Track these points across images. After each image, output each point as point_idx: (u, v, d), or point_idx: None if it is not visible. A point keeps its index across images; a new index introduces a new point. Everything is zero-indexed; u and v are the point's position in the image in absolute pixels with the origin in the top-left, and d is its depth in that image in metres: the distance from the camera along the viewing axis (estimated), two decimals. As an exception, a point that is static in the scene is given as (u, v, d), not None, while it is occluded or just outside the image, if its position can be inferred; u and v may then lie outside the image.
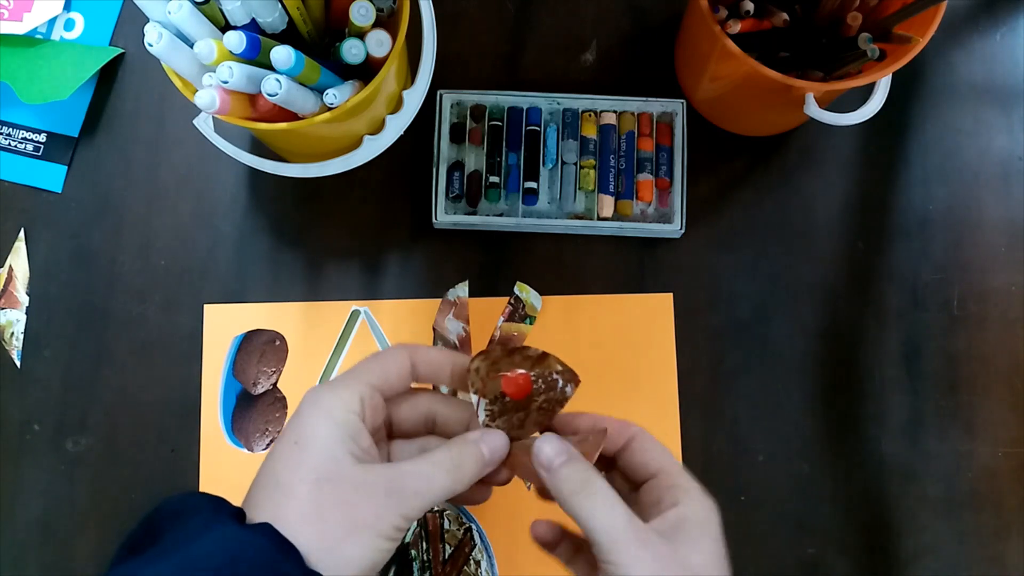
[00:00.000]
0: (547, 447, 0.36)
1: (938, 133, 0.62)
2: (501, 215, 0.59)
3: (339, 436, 0.34)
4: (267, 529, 0.31)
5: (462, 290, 0.59)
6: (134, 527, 0.34)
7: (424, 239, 0.60)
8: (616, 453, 0.38)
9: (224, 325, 0.58)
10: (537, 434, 0.39)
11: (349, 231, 0.60)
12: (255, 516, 0.33)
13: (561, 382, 0.39)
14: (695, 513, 0.35)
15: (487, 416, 0.39)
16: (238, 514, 0.33)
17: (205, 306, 0.59)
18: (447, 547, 0.55)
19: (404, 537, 0.53)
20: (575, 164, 0.59)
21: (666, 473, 0.37)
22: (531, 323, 0.58)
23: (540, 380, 0.39)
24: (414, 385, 0.40)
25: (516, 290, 0.59)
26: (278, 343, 0.58)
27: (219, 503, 0.34)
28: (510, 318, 0.58)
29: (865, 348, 0.59)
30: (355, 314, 0.59)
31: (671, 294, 0.59)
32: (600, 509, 0.34)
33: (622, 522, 0.33)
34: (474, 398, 0.39)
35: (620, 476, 0.39)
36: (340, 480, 0.33)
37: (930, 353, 0.59)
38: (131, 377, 0.58)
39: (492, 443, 0.37)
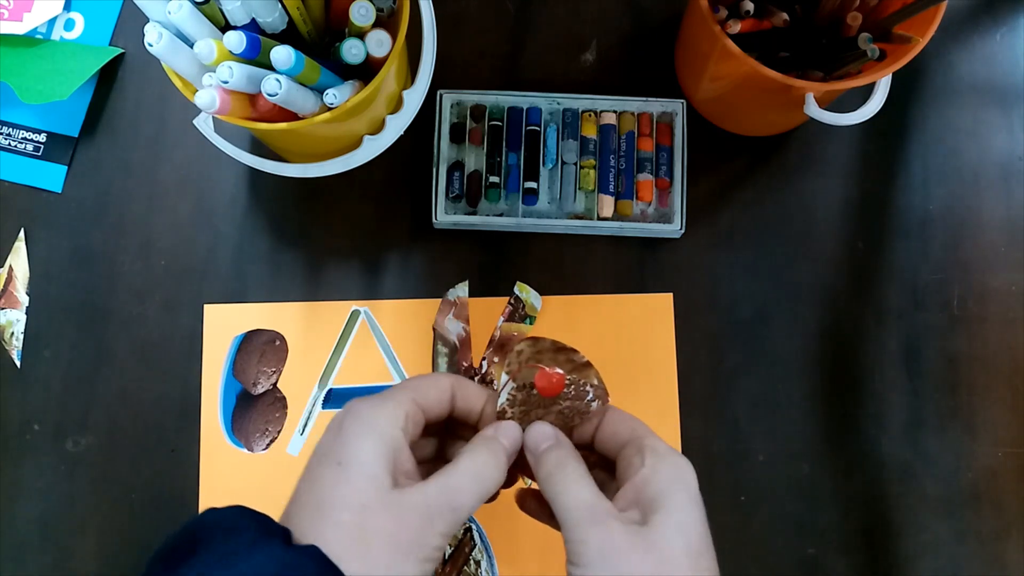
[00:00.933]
0: (537, 431, 0.37)
1: (938, 133, 0.62)
2: (501, 215, 0.59)
3: (383, 455, 0.33)
4: (314, 552, 0.31)
5: (462, 290, 0.59)
6: (171, 536, 0.33)
7: (424, 239, 0.60)
8: (592, 437, 0.38)
9: (224, 325, 0.58)
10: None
11: (349, 231, 0.60)
12: (300, 538, 0.32)
13: (591, 395, 0.39)
14: (661, 472, 0.34)
15: (508, 400, 0.39)
16: (284, 534, 0.33)
17: (205, 306, 0.59)
18: (447, 547, 0.55)
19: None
20: (575, 164, 0.59)
21: (636, 438, 0.36)
22: (531, 323, 0.58)
23: (572, 386, 0.39)
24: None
25: (516, 290, 0.59)
26: (278, 343, 0.58)
27: (265, 521, 0.33)
28: (510, 318, 0.58)
29: (865, 348, 0.59)
30: (355, 314, 0.59)
31: (671, 294, 0.59)
32: (568, 488, 0.34)
33: (583, 502, 0.33)
34: (504, 378, 0.39)
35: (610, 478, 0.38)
36: (382, 506, 0.32)
37: (930, 353, 0.59)
38: (131, 377, 0.58)
39: (510, 435, 0.37)
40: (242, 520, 0.33)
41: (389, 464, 0.33)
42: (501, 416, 0.39)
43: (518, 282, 0.59)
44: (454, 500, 0.33)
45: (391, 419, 0.34)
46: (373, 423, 0.34)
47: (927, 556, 0.57)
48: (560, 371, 0.39)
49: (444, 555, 0.55)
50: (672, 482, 0.34)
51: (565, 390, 0.39)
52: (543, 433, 0.37)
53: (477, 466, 0.35)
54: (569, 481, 0.34)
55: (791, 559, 0.57)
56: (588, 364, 0.39)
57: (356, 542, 0.31)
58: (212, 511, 0.34)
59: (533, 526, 0.56)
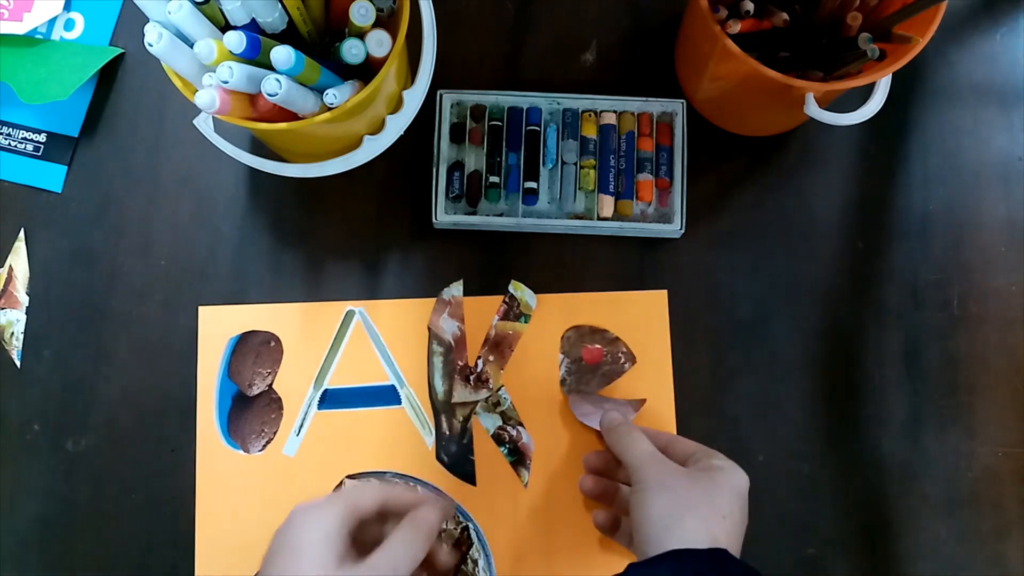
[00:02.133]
0: (611, 413, 0.54)
1: (938, 133, 0.62)
2: (501, 215, 0.59)
3: (328, 542, 0.41)
4: None
5: (456, 289, 0.59)
6: None
7: (424, 239, 0.60)
8: (662, 450, 0.50)
9: (219, 327, 0.58)
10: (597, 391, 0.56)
11: (349, 231, 0.60)
12: None
13: (623, 360, 0.56)
14: (726, 469, 0.47)
15: (565, 371, 0.56)
16: None
17: (200, 308, 0.59)
18: (445, 546, 0.55)
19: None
20: (575, 164, 0.59)
21: (704, 451, 0.50)
22: (526, 321, 0.58)
23: (609, 355, 0.56)
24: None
25: (510, 288, 0.59)
26: (273, 344, 0.58)
27: None
28: (505, 316, 0.58)
29: (865, 348, 0.59)
30: (350, 314, 0.59)
31: (665, 291, 0.59)
32: (635, 445, 0.49)
33: (648, 452, 0.48)
34: (560, 357, 0.56)
35: None
36: None
37: (930, 353, 0.59)
38: (131, 377, 0.58)
39: (429, 517, 0.44)
40: None
41: (334, 550, 0.41)
42: (562, 384, 0.56)
43: (512, 280, 0.59)
44: (388, 566, 0.42)
45: (330, 517, 0.42)
46: (317, 520, 0.42)
47: (927, 556, 0.57)
48: (599, 346, 0.56)
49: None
50: (728, 475, 0.47)
51: (604, 358, 0.55)
52: (613, 416, 0.53)
53: (406, 540, 0.43)
54: (635, 439, 0.50)
55: (791, 559, 0.57)
56: (618, 338, 0.56)
57: None
58: None
59: (533, 526, 0.56)
